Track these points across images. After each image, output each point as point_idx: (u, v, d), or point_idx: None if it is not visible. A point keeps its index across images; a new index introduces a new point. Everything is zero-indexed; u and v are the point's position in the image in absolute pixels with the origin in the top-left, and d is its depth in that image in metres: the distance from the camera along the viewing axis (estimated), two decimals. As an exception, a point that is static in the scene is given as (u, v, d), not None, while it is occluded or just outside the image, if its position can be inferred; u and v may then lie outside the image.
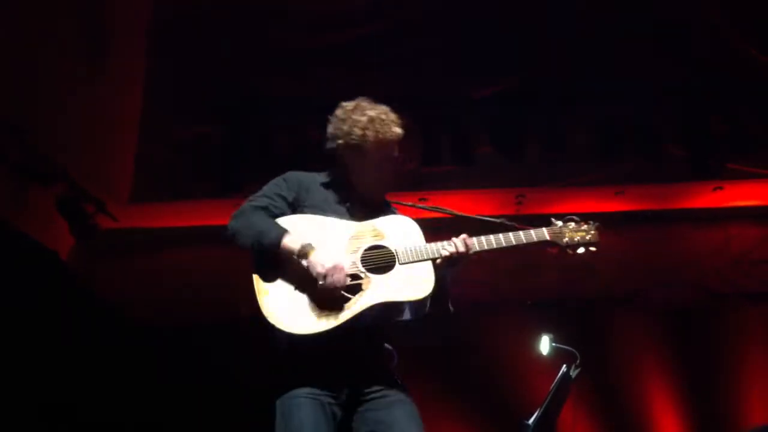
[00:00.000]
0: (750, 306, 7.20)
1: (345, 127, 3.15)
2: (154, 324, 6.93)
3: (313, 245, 2.92)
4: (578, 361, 4.45)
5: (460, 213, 3.50)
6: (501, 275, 6.78)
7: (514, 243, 3.12)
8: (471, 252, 3.05)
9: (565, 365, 4.44)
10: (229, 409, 6.68)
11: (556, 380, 4.38)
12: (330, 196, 3.19)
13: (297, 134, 7.03)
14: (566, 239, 3.20)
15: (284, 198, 3.11)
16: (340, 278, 2.89)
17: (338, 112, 3.22)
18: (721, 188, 6.91)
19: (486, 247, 3.09)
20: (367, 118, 3.12)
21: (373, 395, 2.99)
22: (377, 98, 3.27)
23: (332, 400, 2.93)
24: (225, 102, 7.05)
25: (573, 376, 4.42)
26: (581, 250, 3.23)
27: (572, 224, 3.24)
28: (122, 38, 6.76)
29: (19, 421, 5.43)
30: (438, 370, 6.75)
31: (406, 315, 3.04)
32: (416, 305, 3.00)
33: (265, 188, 3.15)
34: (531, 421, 4.24)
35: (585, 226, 3.24)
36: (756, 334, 7.05)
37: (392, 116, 3.17)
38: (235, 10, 6.83)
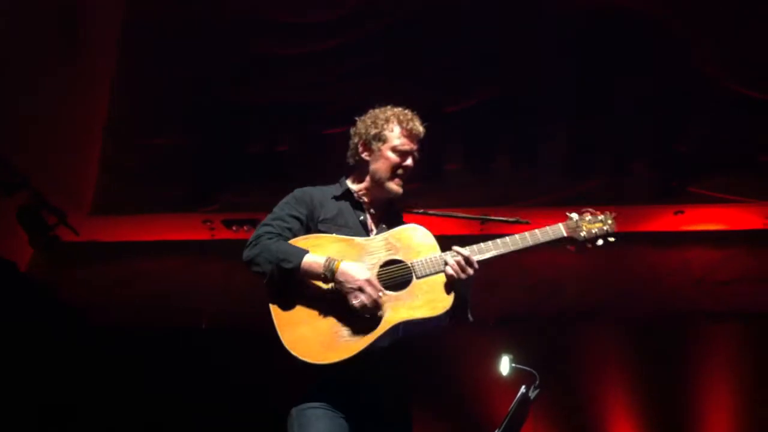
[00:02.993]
0: (710, 325, 7.29)
1: (368, 121, 3.22)
2: (113, 334, 6.84)
3: (337, 259, 2.88)
4: (537, 382, 4.44)
5: (473, 216, 3.41)
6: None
7: (530, 243, 3.01)
8: (475, 261, 2.94)
9: (524, 386, 4.43)
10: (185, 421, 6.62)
11: (514, 401, 4.37)
12: (343, 207, 3.17)
13: (268, 145, 7.01)
14: (584, 233, 3.09)
15: (297, 218, 3.07)
16: (373, 292, 2.85)
17: (363, 117, 3.29)
18: (681, 212, 7.01)
19: (502, 251, 2.98)
20: (391, 111, 3.21)
21: (385, 429, 2.97)
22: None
23: (348, 417, 2.90)
24: (193, 112, 7.00)
25: (532, 397, 4.40)
26: (600, 242, 3.10)
27: (588, 216, 3.12)
28: (90, 46, 6.71)
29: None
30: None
31: (427, 328, 2.99)
32: (437, 319, 2.93)
33: (277, 210, 3.11)
34: (489, 442, 4.22)
35: (601, 216, 3.13)
36: (716, 353, 7.12)
37: (416, 116, 3.22)
38: (206, 19, 6.81)
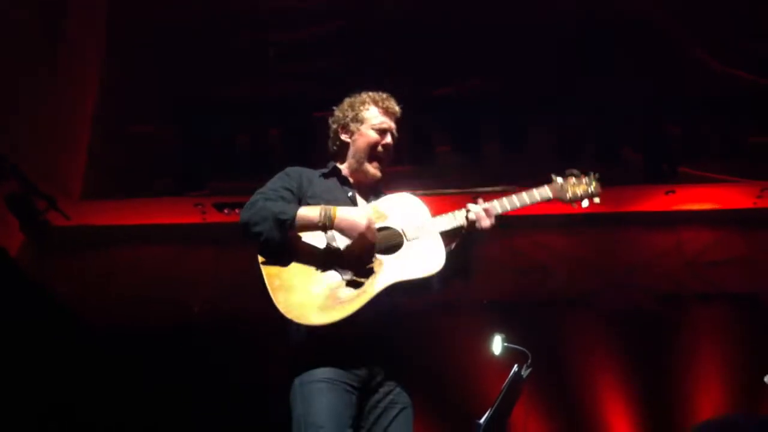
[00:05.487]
0: (700, 307, 7.33)
1: (345, 106, 3.33)
2: (106, 322, 6.83)
3: (332, 206, 2.95)
4: (530, 361, 4.47)
5: (461, 191, 3.45)
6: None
7: (518, 205, 3.10)
8: (493, 214, 3.03)
9: (516, 365, 4.46)
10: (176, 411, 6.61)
11: (507, 380, 4.40)
12: (331, 184, 3.23)
13: (256, 134, 6.99)
14: (569, 195, 3.18)
15: (289, 190, 3.13)
16: (371, 234, 2.91)
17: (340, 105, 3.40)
18: (673, 192, 7.02)
19: (499, 211, 3.07)
20: (366, 94, 3.32)
21: (384, 400, 2.98)
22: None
23: (350, 387, 2.90)
24: (182, 99, 6.97)
25: (524, 376, 4.43)
26: (585, 203, 3.19)
27: (573, 179, 3.20)
28: (78, 30, 6.68)
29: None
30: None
31: (423, 291, 3.05)
32: (431, 280, 2.98)
33: (270, 183, 3.16)
34: (482, 420, 4.25)
35: (585, 179, 3.21)
36: (706, 335, 7.17)
37: (391, 97, 3.33)
38: (194, 7, 6.77)
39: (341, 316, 2.84)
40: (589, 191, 3.19)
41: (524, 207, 3.12)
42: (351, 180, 3.27)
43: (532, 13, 6.79)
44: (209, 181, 6.90)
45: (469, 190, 3.37)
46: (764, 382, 5.19)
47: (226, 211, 6.86)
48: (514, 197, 3.10)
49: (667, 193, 7.04)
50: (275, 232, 2.92)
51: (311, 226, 2.95)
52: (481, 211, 3.02)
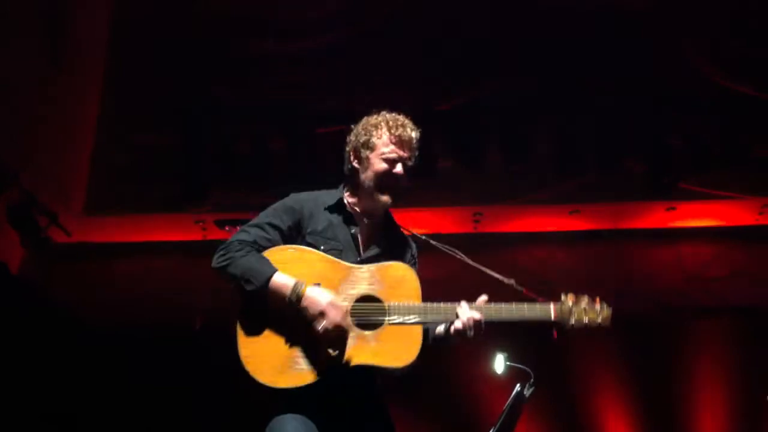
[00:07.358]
0: (702, 321, 7.33)
1: (360, 129, 3.11)
2: (106, 325, 6.81)
3: (304, 283, 2.82)
4: (532, 380, 4.45)
5: (470, 262, 3.16)
6: (458, 291, 6.78)
7: (515, 318, 2.95)
8: (483, 323, 2.88)
9: (519, 384, 4.44)
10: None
11: (509, 399, 4.38)
12: (334, 220, 3.06)
13: (258, 142, 7.00)
14: (573, 321, 2.99)
15: (277, 227, 2.97)
16: (336, 315, 2.79)
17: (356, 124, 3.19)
18: (673, 208, 7.03)
19: (493, 319, 2.92)
20: (383, 117, 3.09)
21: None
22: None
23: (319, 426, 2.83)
24: (184, 109, 6.97)
25: (527, 395, 4.42)
26: (586, 330, 3.00)
27: (584, 304, 3.02)
28: (81, 41, 6.69)
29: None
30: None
31: (389, 373, 2.93)
32: (398, 369, 2.89)
33: (261, 216, 3.02)
34: (486, 440, 4.24)
35: (598, 307, 3.02)
36: (707, 349, 7.17)
37: (408, 121, 3.10)
38: (196, 16, 6.80)
39: (294, 385, 2.78)
40: (598, 322, 3.02)
41: (521, 320, 2.94)
42: (358, 210, 3.09)
43: (532, 20, 6.79)
44: (210, 193, 6.89)
45: (479, 265, 3.14)
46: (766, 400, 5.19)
47: (227, 228, 6.84)
48: (513, 307, 2.95)
49: (668, 209, 7.04)
50: (240, 293, 2.84)
51: (279, 299, 2.81)
52: (471, 322, 2.87)
